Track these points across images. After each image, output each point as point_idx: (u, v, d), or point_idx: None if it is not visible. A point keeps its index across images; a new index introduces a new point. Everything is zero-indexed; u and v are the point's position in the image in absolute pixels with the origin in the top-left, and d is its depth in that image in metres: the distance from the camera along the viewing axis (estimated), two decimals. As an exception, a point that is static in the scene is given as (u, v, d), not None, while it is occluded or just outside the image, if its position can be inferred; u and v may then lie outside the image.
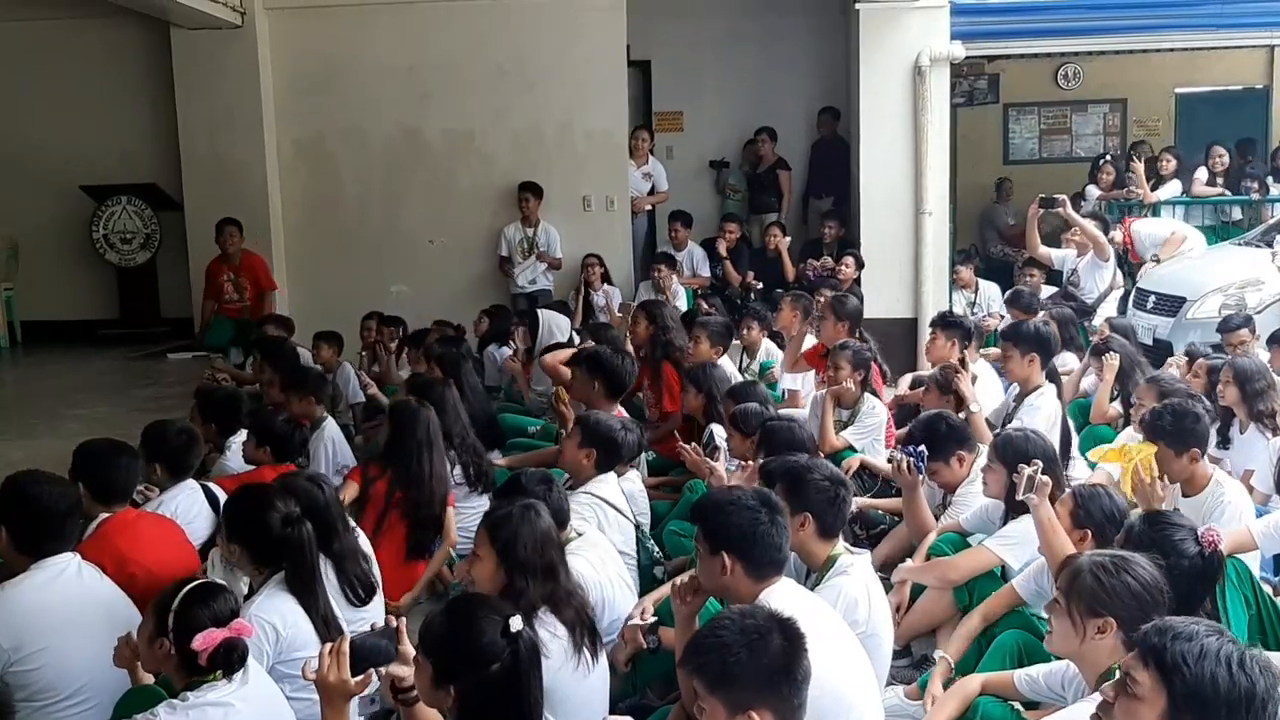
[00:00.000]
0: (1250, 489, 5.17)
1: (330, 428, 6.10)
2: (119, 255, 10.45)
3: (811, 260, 9.76)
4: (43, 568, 3.43)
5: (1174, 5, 10.12)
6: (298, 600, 3.45)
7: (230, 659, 2.89)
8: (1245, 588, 3.71)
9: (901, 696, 3.81)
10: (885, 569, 4.51)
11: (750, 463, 4.73)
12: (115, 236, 10.42)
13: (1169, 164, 10.55)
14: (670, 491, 5.80)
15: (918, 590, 4.36)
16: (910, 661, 4.25)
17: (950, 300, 9.55)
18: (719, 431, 5.53)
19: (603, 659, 3.38)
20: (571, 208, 10.07)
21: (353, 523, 4.34)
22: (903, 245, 9.38)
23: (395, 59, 9.99)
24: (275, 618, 3.38)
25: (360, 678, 2.74)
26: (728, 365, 6.81)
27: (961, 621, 3.96)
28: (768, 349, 7.65)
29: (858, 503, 4.98)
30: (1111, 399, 6.33)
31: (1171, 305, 8.00)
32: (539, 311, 8.50)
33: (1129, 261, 9.34)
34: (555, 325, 8.13)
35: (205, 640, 2.82)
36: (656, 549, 4.88)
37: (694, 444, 5.19)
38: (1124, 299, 8.77)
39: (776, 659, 2.41)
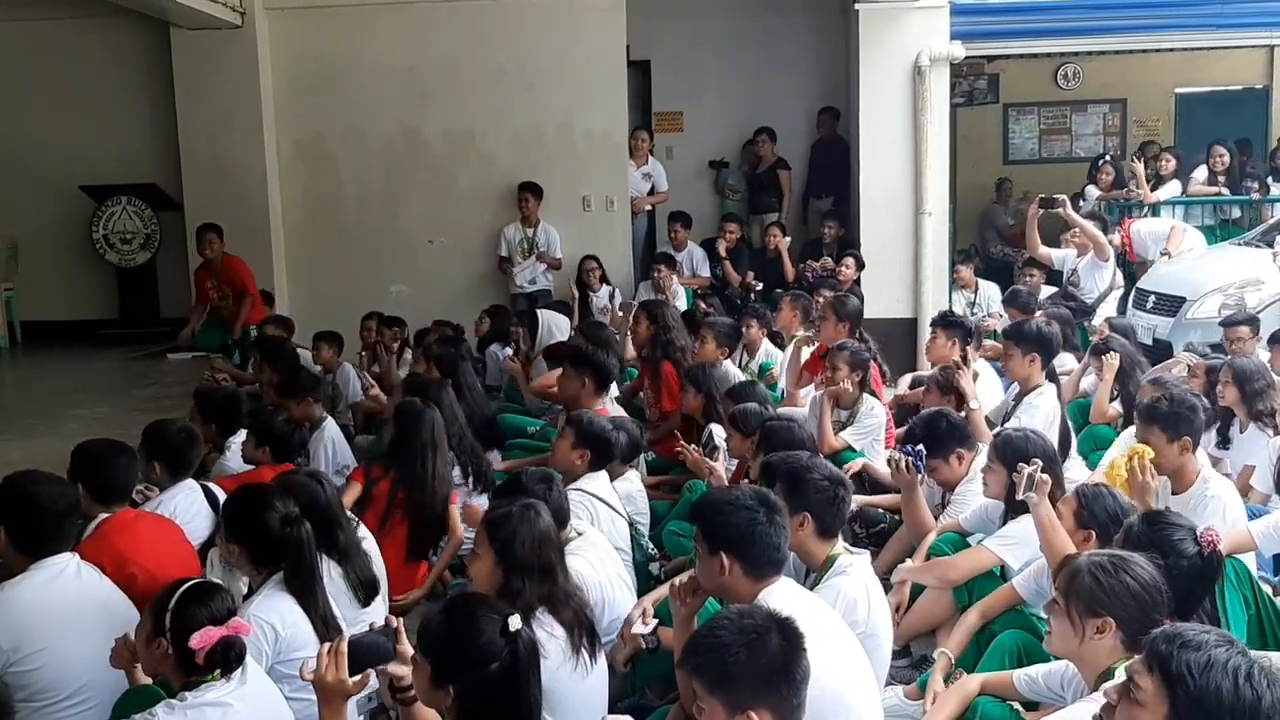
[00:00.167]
0: (1250, 488, 5.20)
1: (330, 428, 6.11)
2: (119, 255, 10.46)
3: (811, 261, 9.76)
4: (42, 568, 3.43)
5: (1174, 5, 10.13)
6: (297, 600, 3.45)
7: (228, 658, 2.88)
8: (1244, 588, 3.71)
9: (901, 696, 3.81)
10: (888, 574, 4.50)
11: (738, 461, 4.75)
12: (115, 237, 10.42)
13: (1168, 164, 10.55)
14: (670, 491, 5.81)
15: (917, 590, 4.35)
16: (910, 661, 4.25)
17: (950, 300, 9.55)
18: (718, 431, 5.53)
19: (601, 659, 3.37)
20: (571, 208, 10.07)
21: (357, 520, 4.34)
22: (902, 245, 9.38)
23: (395, 59, 9.99)
24: (274, 618, 3.38)
25: (358, 678, 2.74)
26: (729, 366, 6.81)
27: (961, 617, 3.96)
28: (767, 349, 7.65)
29: (857, 500, 4.98)
30: (1111, 399, 6.33)
31: (1171, 305, 8.01)
32: (539, 311, 8.51)
33: (1128, 262, 9.34)
34: (555, 325, 8.14)
35: (202, 639, 2.82)
36: (652, 546, 4.88)
37: (694, 444, 5.20)
38: (1124, 299, 8.77)
39: (775, 659, 2.41)
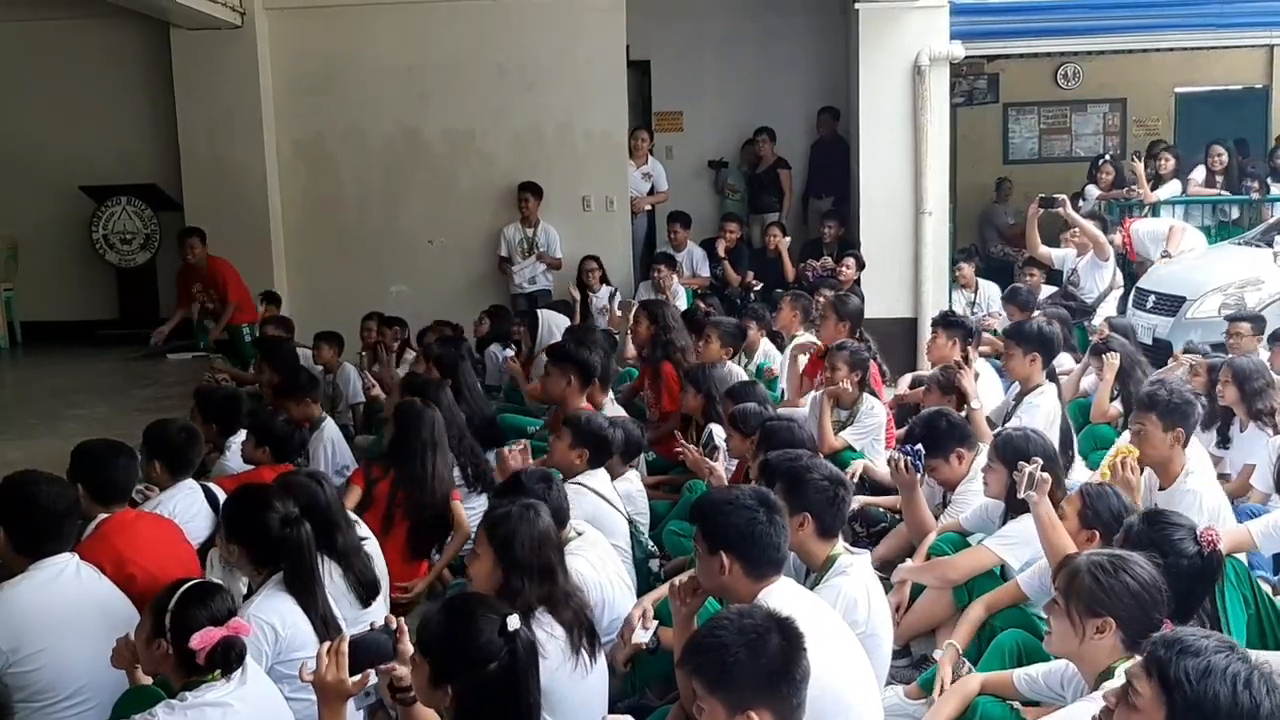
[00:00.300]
0: (1250, 488, 5.20)
1: (329, 428, 6.11)
2: (119, 256, 10.46)
3: (811, 260, 9.76)
4: (41, 568, 3.42)
5: (1173, 5, 10.14)
6: (297, 601, 3.44)
7: (228, 658, 2.88)
8: (1244, 587, 3.71)
9: (901, 696, 3.81)
10: (884, 568, 4.50)
11: (738, 461, 4.75)
12: (115, 237, 10.42)
13: (1167, 163, 10.55)
14: (670, 491, 5.81)
15: (917, 590, 4.35)
16: (910, 661, 4.25)
17: (950, 300, 9.55)
18: (718, 431, 5.53)
19: (601, 659, 3.37)
20: (571, 208, 10.07)
21: (358, 520, 4.34)
22: (903, 245, 9.39)
23: (395, 59, 9.99)
24: (274, 618, 3.37)
25: (357, 678, 2.74)
26: (733, 366, 6.81)
27: (965, 611, 3.95)
28: (765, 350, 7.65)
29: (858, 500, 4.98)
30: (1112, 399, 6.33)
31: (1171, 305, 8.01)
32: (539, 311, 8.52)
33: (1128, 262, 9.34)
34: (555, 325, 8.15)
35: (203, 639, 2.82)
36: (651, 544, 4.88)
37: (694, 444, 5.20)
38: (1124, 298, 8.77)
39: (775, 659, 2.40)
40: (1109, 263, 8.88)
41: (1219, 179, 10.47)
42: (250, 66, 9.91)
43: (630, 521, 4.75)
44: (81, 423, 6.95)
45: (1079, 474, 5.28)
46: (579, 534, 4.01)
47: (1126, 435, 5.04)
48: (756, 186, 11.00)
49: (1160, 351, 7.53)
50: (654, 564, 4.76)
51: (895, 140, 9.33)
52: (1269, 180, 10.47)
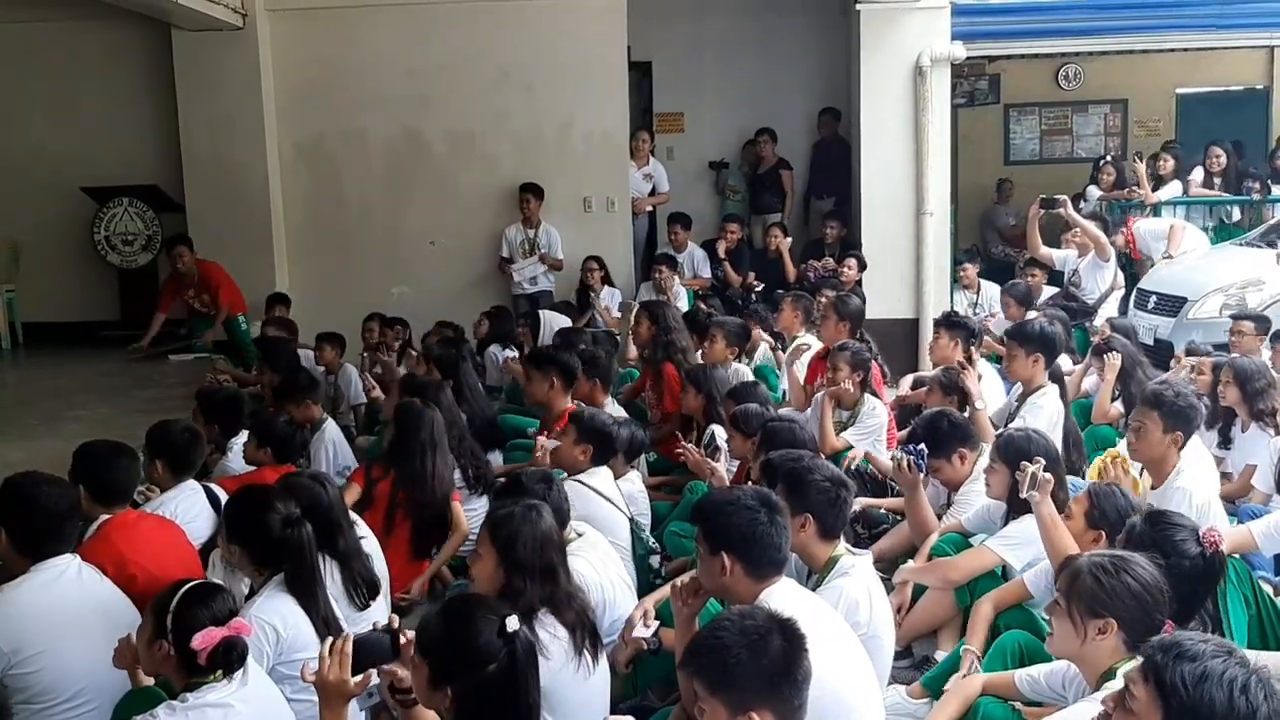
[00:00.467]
0: (1251, 488, 5.20)
1: (331, 429, 6.12)
2: (120, 257, 10.46)
3: (813, 261, 9.76)
4: (42, 570, 3.42)
5: (1174, 6, 10.13)
6: (298, 601, 3.44)
7: (230, 658, 2.88)
8: (1245, 588, 3.71)
9: (903, 696, 3.81)
10: (882, 564, 4.50)
11: (739, 462, 4.75)
12: (117, 238, 10.42)
13: (1167, 164, 10.56)
14: (671, 492, 5.81)
15: (919, 591, 4.35)
16: (911, 662, 4.24)
17: (951, 300, 9.55)
18: (719, 432, 5.53)
19: (603, 661, 3.37)
20: (572, 209, 10.07)
21: (360, 521, 4.34)
22: (904, 246, 9.39)
23: (396, 61, 9.99)
24: (275, 619, 3.37)
25: (358, 679, 2.74)
26: (740, 366, 6.81)
27: (974, 610, 3.94)
28: (764, 352, 7.65)
29: (860, 502, 4.98)
30: (1113, 399, 6.33)
31: (1173, 305, 8.00)
32: (540, 312, 8.53)
33: (1130, 260, 9.34)
34: (557, 325, 8.15)
35: (204, 639, 2.82)
36: (653, 540, 4.89)
37: (695, 445, 5.21)
38: (1125, 299, 8.77)
39: (777, 660, 2.40)
40: (1110, 263, 8.88)
41: (1217, 180, 10.48)
42: (252, 68, 9.91)
43: (631, 520, 4.76)
44: (83, 424, 6.95)
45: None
46: (579, 535, 4.01)
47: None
48: (758, 187, 11.00)
49: (1162, 352, 7.53)
50: (654, 560, 4.76)
51: (896, 141, 9.33)
52: (1270, 181, 10.48)
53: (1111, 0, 10.19)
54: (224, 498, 4.43)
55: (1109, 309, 8.65)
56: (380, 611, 3.92)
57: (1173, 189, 10.43)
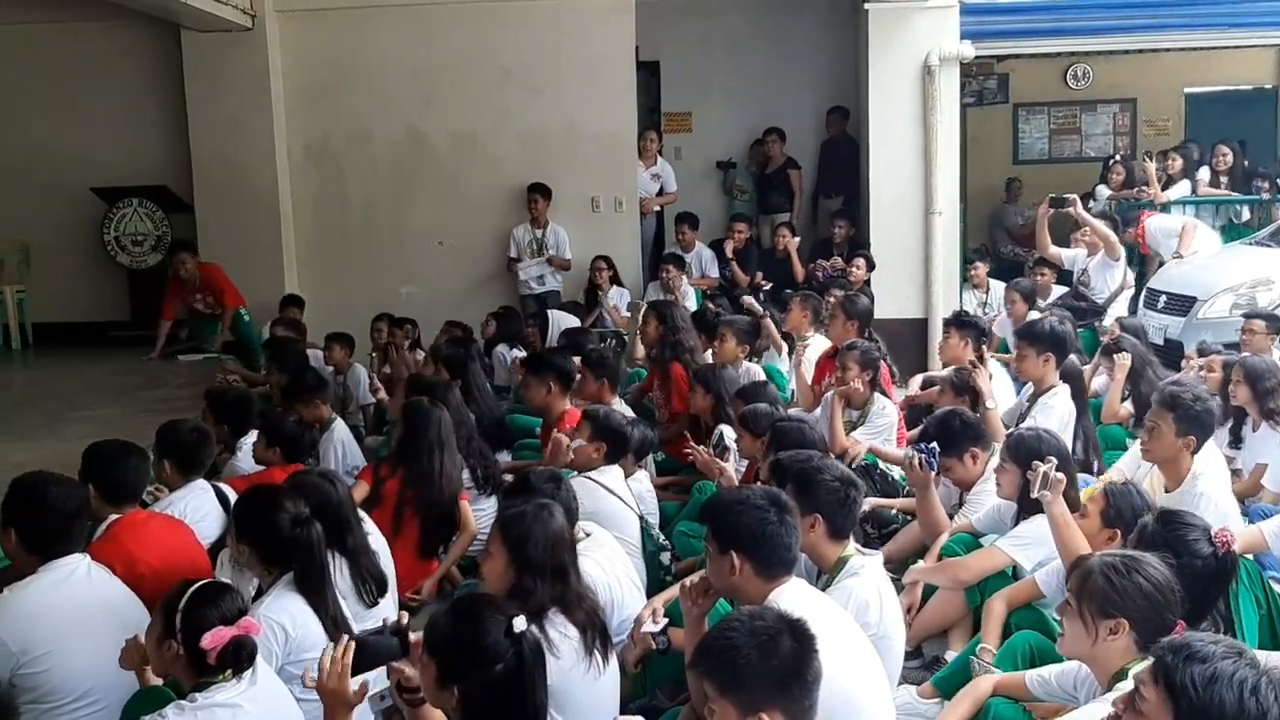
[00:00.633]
0: (1261, 488, 5.18)
1: (340, 429, 6.12)
2: (130, 257, 10.50)
3: (821, 260, 9.74)
4: (51, 569, 3.43)
5: (1184, 4, 10.11)
6: (307, 601, 3.44)
7: (239, 657, 2.88)
8: (1256, 588, 3.70)
9: (914, 696, 3.79)
10: (891, 566, 4.48)
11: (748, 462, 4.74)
12: (126, 238, 10.46)
13: (1175, 163, 10.53)
14: (679, 492, 5.80)
15: (929, 591, 4.34)
16: (921, 662, 4.23)
17: (961, 300, 9.53)
18: (728, 433, 5.52)
19: (613, 661, 3.36)
20: (580, 209, 10.07)
21: (367, 519, 4.34)
22: (913, 245, 9.38)
23: (404, 61, 10.00)
24: (284, 618, 3.37)
25: (358, 686, 2.74)
26: (751, 365, 6.80)
27: (986, 609, 3.93)
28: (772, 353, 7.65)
29: (870, 502, 4.96)
30: (1123, 399, 6.31)
31: (1182, 305, 7.98)
32: (548, 312, 8.53)
33: (1140, 255, 9.30)
34: (564, 325, 8.15)
35: (213, 639, 2.82)
36: (662, 538, 4.89)
37: (703, 445, 5.20)
38: (1135, 299, 8.74)
39: (787, 661, 2.39)
40: (1120, 263, 8.85)
41: (1224, 179, 10.44)
42: (260, 69, 9.93)
43: (641, 518, 4.75)
44: (92, 424, 6.96)
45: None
46: (587, 534, 4.01)
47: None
48: (766, 186, 10.99)
49: (1172, 352, 7.50)
50: (665, 557, 4.76)
51: (905, 140, 9.32)
52: (1279, 180, 10.44)
53: (1120, 0, 10.17)
54: (233, 497, 4.43)
55: (1118, 308, 8.61)
56: (388, 609, 3.92)
57: (1182, 188, 10.40)
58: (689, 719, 3.16)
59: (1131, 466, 4.79)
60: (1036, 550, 3.99)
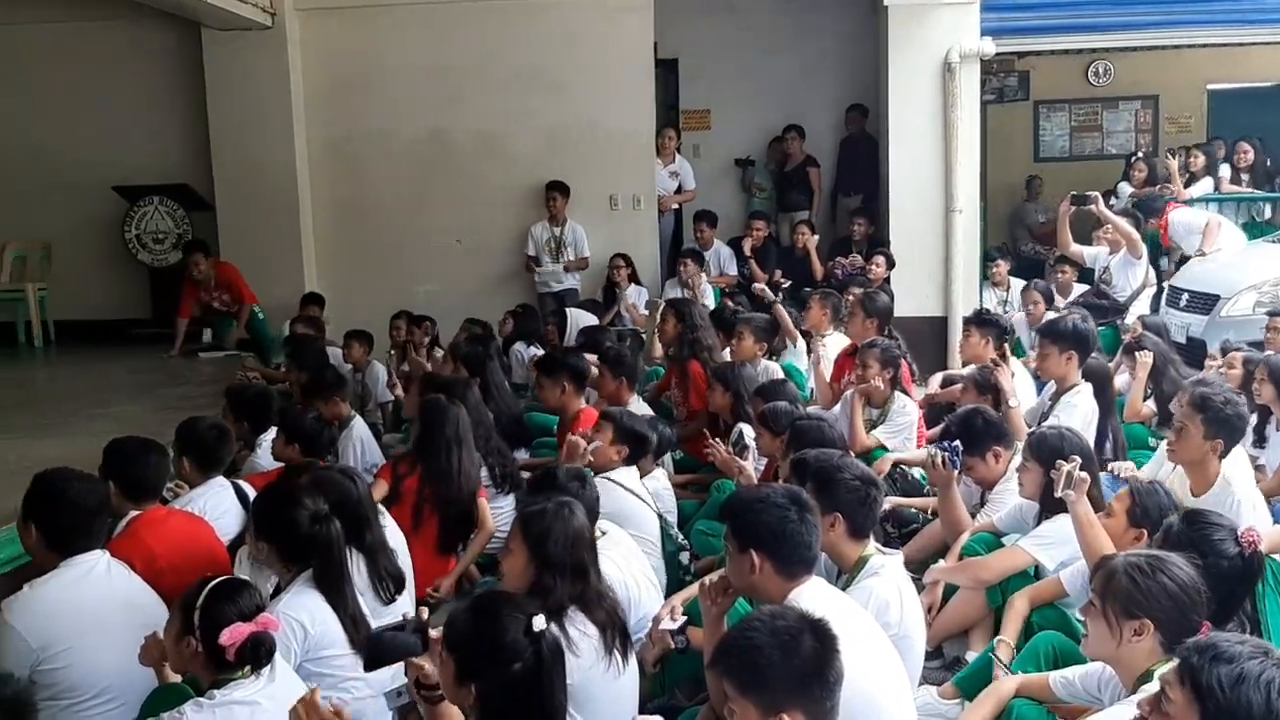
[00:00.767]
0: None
1: (358, 426, 6.13)
2: (151, 255, 10.55)
3: (840, 258, 9.70)
4: (71, 565, 3.43)
5: (1206, 0, 10.01)
6: (326, 598, 3.44)
7: (258, 654, 2.88)
8: (1283, 588, 3.65)
9: (934, 697, 3.77)
10: (911, 567, 4.46)
11: (767, 460, 4.72)
12: (147, 236, 10.51)
13: (1197, 160, 10.44)
14: (697, 490, 5.79)
15: (950, 591, 4.31)
16: (942, 663, 4.20)
17: (981, 298, 9.48)
18: (748, 431, 5.50)
19: (633, 660, 3.35)
20: (599, 207, 10.06)
21: (386, 515, 4.34)
22: (933, 243, 9.34)
23: (423, 60, 10.00)
24: (303, 615, 3.37)
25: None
26: (770, 363, 6.78)
27: (1008, 605, 3.90)
28: (793, 350, 7.61)
29: (890, 501, 4.94)
30: (1145, 398, 6.26)
31: (1205, 303, 7.90)
32: (567, 310, 8.52)
33: (1163, 248, 9.22)
34: (583, 323, 8.14)
35: (232, 635, 2.82)
36: (681, 537, 4.88)
37: (725, 443, 5.18)
38: (1157, 296, 8.68)
39: (809, 661, 2.37)
40: (1142, 261, 8.79)
41: (1245, 176, 10.35)
42: (281, 67, 9.96)
43: (660, 517, 4.74)
44: (113, 421, 6.97)
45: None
46: (603, 533, 3.99)
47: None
48: (785, 184, 10.96)
49: (1194, 350, 7.43)
50: (684, 557, 4.75)
51: (925, 138, 9.28)
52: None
53: (1142, -5, 10.10)
54: (252, 494, 4.44)
55: (1140, 307, 8.55)
56: (405, 605, 3.91)
57: (1204, 185, 10.32)
58: (708, 719, 3.15)
59: (1154, 469, 4.74)
60: (1059, 550, 3.96)
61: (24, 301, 10.32)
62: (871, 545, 3.61)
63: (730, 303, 8.74)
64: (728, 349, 6.96)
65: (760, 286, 8.11)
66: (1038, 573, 4.04)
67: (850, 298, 7.18)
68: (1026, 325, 8.23)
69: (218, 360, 9.42)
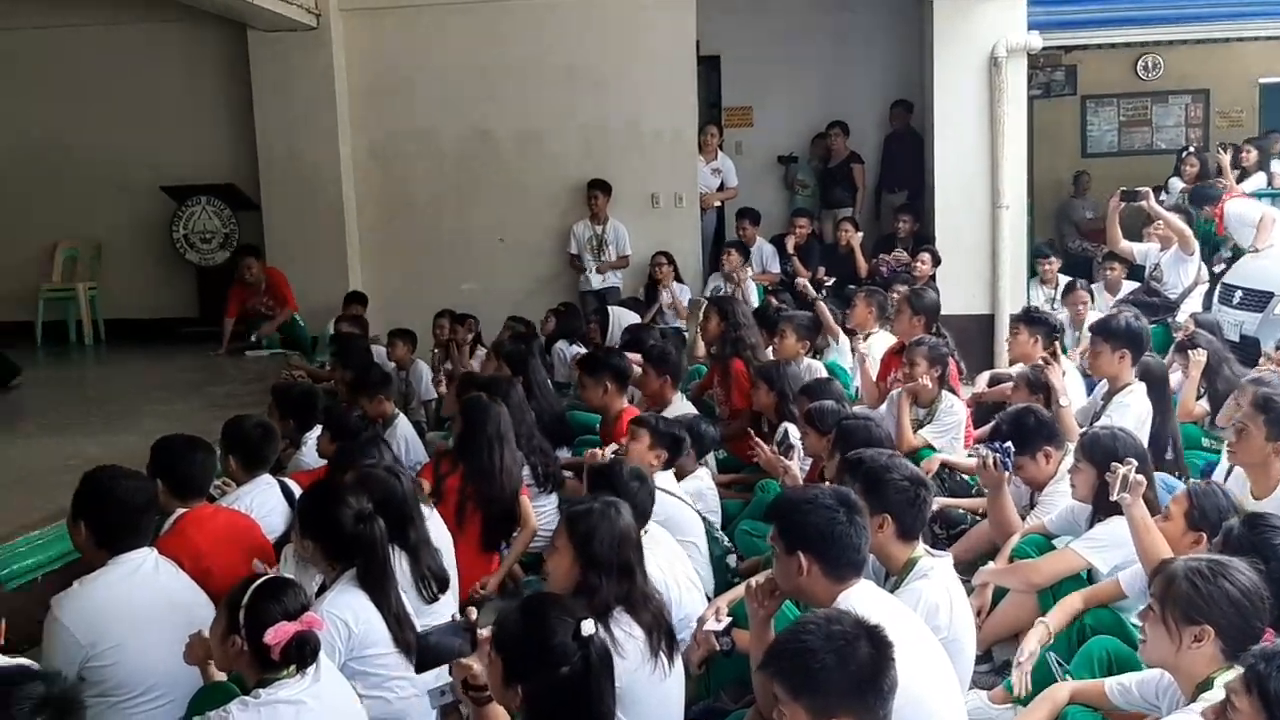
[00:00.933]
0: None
1: (403, 425, 6.16)
2: (199, 255, 10.66)
3: (884, 255, 9.61)
4: (119, 563, 3.45)
5: (1256, -8, 9.85)
6: (370, 597, 3.44)
7: (303, 653, 2.88)
8: (1348, 594, 3.55)
9: (985, 701, 3.71)
10: (959, 568, 4.39)
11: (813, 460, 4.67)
12: (195, 236, 10.62)
13: (1250, 155, 10.25)
14: (741, 490, 5.74)
15: (1000, 594, 4.24)
16: (992, 667, 4.14)
17: (1028, 296, 9.36)
18: (793, 430, 5.45)
19: (679, 662, 3.32)
20: (640, 205, 10.04)
21: (434, 513, 4.34)
22: (979, 240, 9.25)
23: (466, 60, 10.03)
24: (348, 614, 3.37)
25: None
26: (813, 362, 6.73)
27: (1065, 598, 3.84)
28: (835, 347, 7.56)
29: (939, 502, 4.87)
30: (1198, 397, 6.14)
31: (1259, 300, 7.75)
32: (609, 308, 8.51)
33: (1216, 236, 9.06)
34: (625, 322, 8.13)
35: (277, 634, 2.82)
36: (726, 539, 4.85)
37: (769, 443, 5.14)
38: (1209, 293, 8.52)
39: (864, 668, 2.33)
40: (1194, 257, 8.63)
41: None
42: (325, 68, 10.02)
43: (704, 520, 4.71)
44: (161, 419, 7.04)
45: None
46: (644, 533, 3.97)
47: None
48: (828, 181, 10.87)
49: (1248, 348, 7.29)
50: (731, 560, 4.71)
51: (971, 133, 9.19)
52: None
53: (1191, -13, 9.95)
54: (299, 492, 4.46)
55: (1192, 304, 8.41)
56: (449, 605, 3.91)
57: (1257, 181, 10.14)
58: (754, 721, 3.12)
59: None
60: (1114, 553, 3.88)
61: (75, 300, 10.47)
62: (920, 547, 3.55)
63: (774, 300, 8.69)
64: (770, 347, 6.92)
65: (802, 282, 8.06)
66: (1090, 576, 3.97)
67: (896, 295, 7.11)
68: (1070, 325, 8.13)
69: (263, 359, 9.50)
